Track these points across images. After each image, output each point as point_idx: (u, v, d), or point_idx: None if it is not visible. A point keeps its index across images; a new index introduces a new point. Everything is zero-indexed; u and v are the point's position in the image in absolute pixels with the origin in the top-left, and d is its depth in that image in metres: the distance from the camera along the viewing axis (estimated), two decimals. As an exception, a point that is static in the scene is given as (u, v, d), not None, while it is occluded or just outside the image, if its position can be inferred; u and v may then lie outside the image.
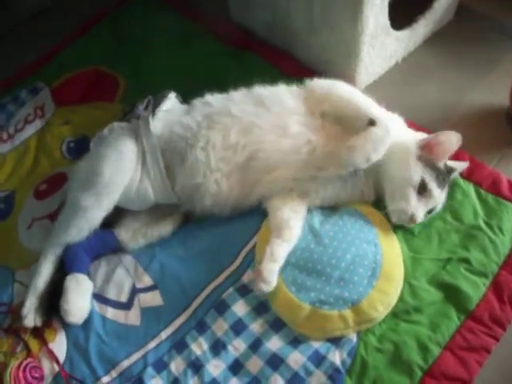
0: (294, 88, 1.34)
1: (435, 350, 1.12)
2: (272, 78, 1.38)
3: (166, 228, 1.36)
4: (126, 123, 1.38)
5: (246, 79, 1.38)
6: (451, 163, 1.30)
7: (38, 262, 1.30)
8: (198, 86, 1.38)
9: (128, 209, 1.35)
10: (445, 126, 1.48)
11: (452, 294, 1.19)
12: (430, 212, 1.26)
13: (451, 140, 1.24)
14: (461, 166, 1.33)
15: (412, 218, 1.22)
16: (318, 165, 1.24)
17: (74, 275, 1.27)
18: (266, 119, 1.26)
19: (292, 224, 1.24)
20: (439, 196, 1.25)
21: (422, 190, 1.22)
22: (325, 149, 1.23)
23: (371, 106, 1.27)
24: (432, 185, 1.22)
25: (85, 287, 1.27)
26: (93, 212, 1.26)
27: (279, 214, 1.26)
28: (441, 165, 1.25)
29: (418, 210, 1.22)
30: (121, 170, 1.27)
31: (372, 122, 1.21)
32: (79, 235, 1.28)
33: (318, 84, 1.32)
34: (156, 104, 1.39)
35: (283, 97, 1.29)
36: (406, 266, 1.23)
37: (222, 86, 1.37)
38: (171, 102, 1.41)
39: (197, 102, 1.36)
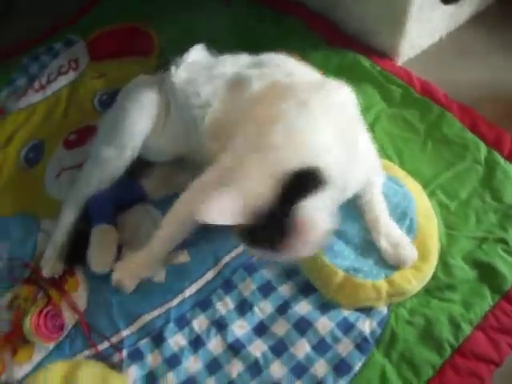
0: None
1: (467, 329, 1.09)
2: (311, 44, 1.34)
3: (188, 180, 1.27)
4: (152, 76, 1.35)
5: (284, 43, 1.34)
6: None
7: (60, 213, 1.29)
8: (235, 46, 1.33)
9: (151, 160, 1.33)
10: (484, 104, 1.45)
11: (487, 274, 1.15)
12: None
13: None
14: None
15: None
16: None
17: (100, 226, 1.25)
18: None
19: None
20: None
21: None
22: None
23: None
24: None
25: (110, 238, 1.25)
26: (113, 163, 1.25)
27: None
28: None
29: None
30: (142, 122, 1.26)
31: None
32: (100, 186, 1.27)
33: None
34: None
35: None
36: (441, 242, 1.18)
37: (260, 49, 1.31)
38: (197, 53, 1.34)
39: (225, 57, 1.29)
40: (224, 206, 0.89)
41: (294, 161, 0.92)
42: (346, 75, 1.16)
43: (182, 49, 1.37)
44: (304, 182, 0.91)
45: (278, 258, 1.01)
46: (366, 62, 1.52)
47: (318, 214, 0.91)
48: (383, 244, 1.13)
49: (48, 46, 1.81)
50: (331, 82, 1.12)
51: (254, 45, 1.34)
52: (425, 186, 1.26)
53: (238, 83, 1.18)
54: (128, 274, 1.19)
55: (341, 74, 1.20)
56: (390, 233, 1.14)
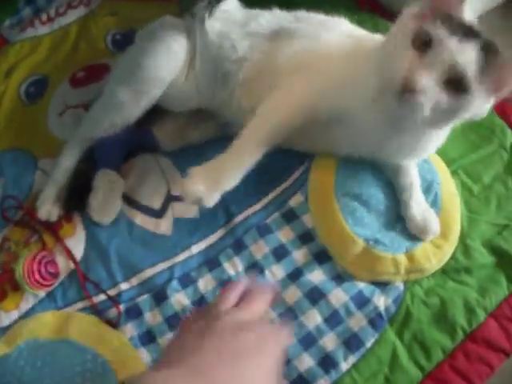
0: None
1: (481, 315, 1.05)
2: (344, 9, 1.26)
3: (205, 132, 1.24)
4: (180, 19, 1.23)
5: (317, 5, 1.25)
6: None
7: (62, 153, 1.20)
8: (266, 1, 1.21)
9: (167, 109, 1.23)
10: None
11: (504, 261, 1.11)
12: (456, 90, 0.86)
13: None
14: None
15: (406, 84, 0.84)
16: None
17: (105, 172, 1.17)
18: None
19: None
20: (466, 56, 0.84)
21: (423, 44, 0.86)
22: None
23: None
24: (441, 34, 0.85)
25: (116, 185, 1.17)
26: (129, 108, 1.14)
27: None
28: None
29: (418, 71, 0.84)
30: (167, 67, 1.14)
31: None
32: (110, 130, 1.16)
33: None
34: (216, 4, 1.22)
35: None
36: (462, 223, 1.14)
37: (291, 7, 1.21)
38: (232, 2, 1.23)
39: (259, 12, 1.19)
40: None
41: None
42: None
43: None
44: None
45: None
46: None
47: None
48: (413, 208, 1.08)
49: (58, -21, 1.68)
50: None
51: (286, 2, 1.25)
52: (448, 164, 1.21)
53: (280, 36, 1.11)
54: (207, 184, 0.96)
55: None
56: (420, 201, 1.10)
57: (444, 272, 1.10)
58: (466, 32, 0.84)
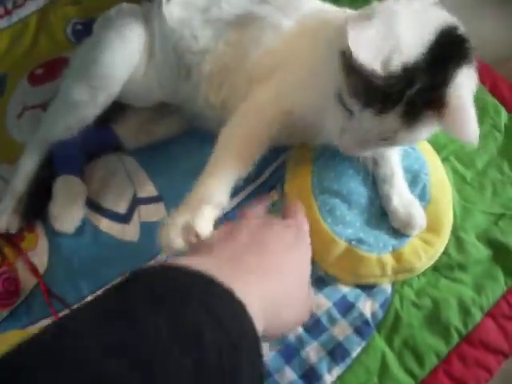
0: None
1: (477, 315, 0.97)
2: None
3: (172, 126, 1.16)
4: (138, 5, 1.13)
5: None
6: None
7: (20, 160, 1.11)
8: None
9: (129, 104, 1.15)
10: (507, 64, 1.32)
11: (502, 254, 1.02)
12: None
13: None
14: None
15: (343, 150, 0.87)
16: None
17: (65, 177, 1.09)
18: None
19: None
20: (386, 126, 0.77)
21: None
22: None
23: None
24: (355, 107, 0.78)
25: (77, 191, 1.08)
26: (85, 108, 1.04)
27: None
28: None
29: (349, 140, 0.84)
30: (124, 60, 1.04)
31: None
32: (67, 133, 1.07)
33: None
34: None
35: None
36: (455, 214, 1.05)
37: None
38: None
39: None
40: (372, 38, 0.71)
41: None
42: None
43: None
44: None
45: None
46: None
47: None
48: (395, 201, 0.97)
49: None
50: None
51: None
52: (438, 151, 1.11)
53: (244, 25, 1.01)
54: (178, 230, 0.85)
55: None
56: (403, 192, 0.99)
57: (436, 269, 1.01)
58: (386, 99, 0.73)
